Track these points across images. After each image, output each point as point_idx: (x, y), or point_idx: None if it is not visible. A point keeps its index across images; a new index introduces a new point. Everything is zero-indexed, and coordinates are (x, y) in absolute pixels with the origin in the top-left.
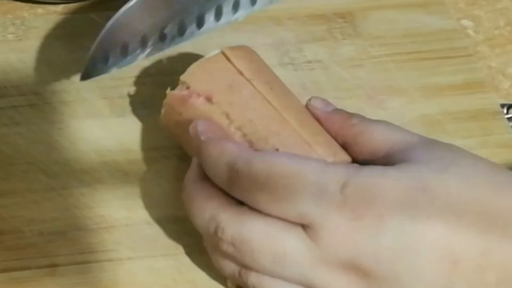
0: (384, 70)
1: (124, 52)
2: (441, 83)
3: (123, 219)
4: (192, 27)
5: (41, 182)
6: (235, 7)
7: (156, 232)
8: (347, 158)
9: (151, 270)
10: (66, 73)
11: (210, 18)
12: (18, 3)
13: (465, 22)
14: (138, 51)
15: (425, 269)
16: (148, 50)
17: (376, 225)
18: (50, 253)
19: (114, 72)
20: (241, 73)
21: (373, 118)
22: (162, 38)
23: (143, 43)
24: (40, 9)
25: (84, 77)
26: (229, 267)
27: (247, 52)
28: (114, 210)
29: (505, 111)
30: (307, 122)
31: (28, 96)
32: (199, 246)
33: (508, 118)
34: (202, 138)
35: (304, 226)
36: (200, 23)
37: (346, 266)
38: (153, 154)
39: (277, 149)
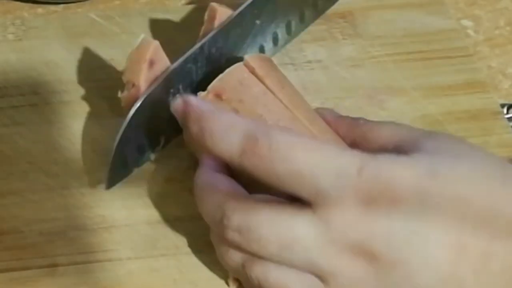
0: (384, 70)
1: (143, 153)
2: (441, 83)
3: (123, 219)
4: None
5: (41, 182)
6: None
7: (156, 232)
8: None
9: (151, 270)
10: (66, 73)
11: None
12: (18, 3)
13: (465, 22)
14: (152, 145)
15: (433, 255)
16: (162, 141)
17: (389, 209)
18: (50, 253)
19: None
20: (253, 70)
21: (373, 118)
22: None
23: (157, 140)
24: (40, 9)
25: (108, 187)
26: (234, 260)
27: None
28: (114, 210)
29: (505, 111)
30: (316, 120)
31: (28, 96)
32: (199, 246)
33: (508, 118)
34: (205, 108)
35: (316, 206)
36: None
37: (355, 250)
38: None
39: None
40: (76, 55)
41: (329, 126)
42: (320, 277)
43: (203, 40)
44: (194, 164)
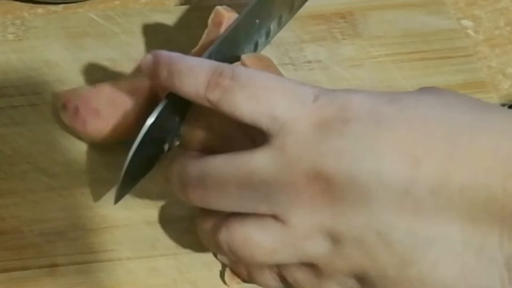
0: (384, 70)
1: (148, 163)
2: (441, 83)
3: (123, 219)
4: None
5: (41, 182)
6: None
7: (156, 232)
8: None
9: (151, 270)
10: (66, 73)
11: None
12: (18, 3)
13: (465, 22)
14: (157, 154)
15: (387, 172)
16: (166, 149)
17: (340, 129)
18: (50, 253)
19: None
20: None
21: None
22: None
23: (161, 148)
24: (40, 9)
25: (116, 202)
26: (206, 230)
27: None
28: (114, 210)
29: None
30: None
31: (28, 96)
32: (199, 246)
33: None
34: (175, 54)
35: (272, 136)
36: None
37: (309, 176)
38: None
39: None
40: (76, 55)
41: None
42: (280, 216)
43: (211, 47)
44: None
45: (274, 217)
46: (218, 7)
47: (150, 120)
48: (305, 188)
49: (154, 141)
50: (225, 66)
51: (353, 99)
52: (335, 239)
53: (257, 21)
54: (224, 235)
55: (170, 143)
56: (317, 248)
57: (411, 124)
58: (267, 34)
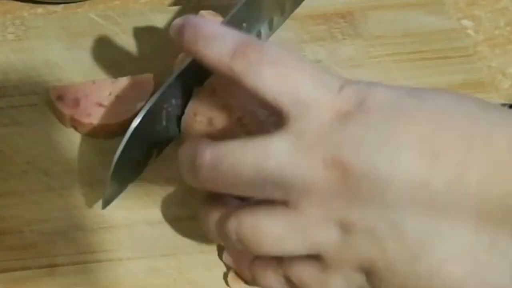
0: (384, 70)
1: (137, 168)
2: (441, 83)
3: (123, 219)
4: None
5: (41, 182)
6: None
7: (156, 232)
8: None
9: (151, 270)
10: (66, 73)
11: None
12: (18, 3)
13: (465, 22)
14: (145, 159)
15: (405, 164)
16: (155, 154)
17: (361, 119)
18: (50, 253)
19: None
20: None
21: None
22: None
23: (150, 154)
24: (40, 9)
25: (104, 207)
26: (213, 219)
27: None
28: (114, 210)
29: None
30: None
31: (28, 96)
32: (199, 246)
33: None
34: (203, 19)
35: (291, 119)
36: None
37: (327, 163)
38: None
39: None
40: (76, 55)
41: None
42: (293, 203)
43: None
44: None
45: (286, 203)
46: (202, 11)
47: (134, 124)
48: (321, 175)
49: (142, 144)
50: (253, 38)
51: (376, 91)
52: (346, 228)
53: (244, 24)
54: (233, 224)
55: (161, 148)
56: (327, 237)
57: (431, 118)
58: (258, 38)
